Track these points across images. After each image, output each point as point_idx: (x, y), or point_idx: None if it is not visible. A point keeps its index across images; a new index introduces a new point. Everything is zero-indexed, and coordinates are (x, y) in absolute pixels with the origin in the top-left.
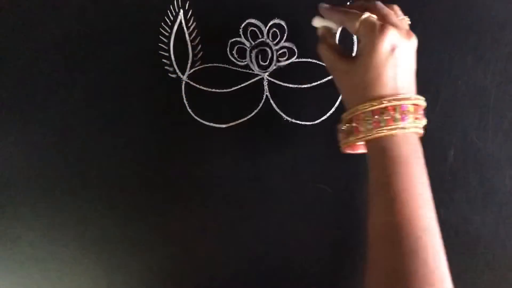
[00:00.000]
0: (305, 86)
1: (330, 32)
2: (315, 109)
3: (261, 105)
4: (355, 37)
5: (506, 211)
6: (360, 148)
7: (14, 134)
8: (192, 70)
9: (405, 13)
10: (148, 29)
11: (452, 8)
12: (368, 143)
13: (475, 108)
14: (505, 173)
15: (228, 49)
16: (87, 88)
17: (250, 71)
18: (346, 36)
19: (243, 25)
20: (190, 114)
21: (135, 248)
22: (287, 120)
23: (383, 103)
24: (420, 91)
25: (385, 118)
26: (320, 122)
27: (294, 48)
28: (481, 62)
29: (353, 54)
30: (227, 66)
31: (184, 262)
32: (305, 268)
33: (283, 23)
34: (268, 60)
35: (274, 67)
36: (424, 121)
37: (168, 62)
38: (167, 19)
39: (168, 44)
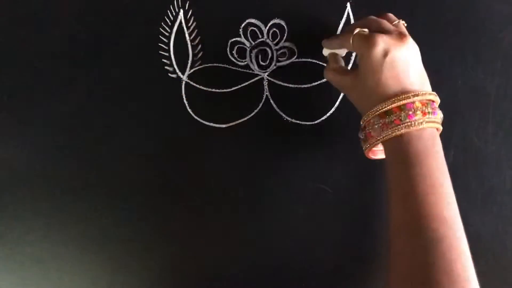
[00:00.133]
0: (305, 86)
1: (335, 57)
2: (315, 109)
3: (261, 105)
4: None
5: (506, 211)
6: (380, 153)
7: (14, 134)
8: (192, 70)
9: (405, 14)
10: (148, 29)
11: (452, 8)
12: (384, 146)
13: (475, 108)
14: (505, 173)
15: (228, 49)
16: (87, 88)
17: (250, 71)
18: None
19: (243, 25)
20: (190, 114)
21: (135, 248)
22: (287, 120)
23: (386, 105)
24: None
25: (392, 119)
26: (320, 122)
27: (294, 48)
28: (481, 62)
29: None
30: (227, 66)
31: (184, 262)
32: (305, 268)
33: (283, 23)
34: (268, 60)
35: (274, 67)
36: (438, 115)
37: (168, 62)
38: (167, 19)
39: (168, 44)
